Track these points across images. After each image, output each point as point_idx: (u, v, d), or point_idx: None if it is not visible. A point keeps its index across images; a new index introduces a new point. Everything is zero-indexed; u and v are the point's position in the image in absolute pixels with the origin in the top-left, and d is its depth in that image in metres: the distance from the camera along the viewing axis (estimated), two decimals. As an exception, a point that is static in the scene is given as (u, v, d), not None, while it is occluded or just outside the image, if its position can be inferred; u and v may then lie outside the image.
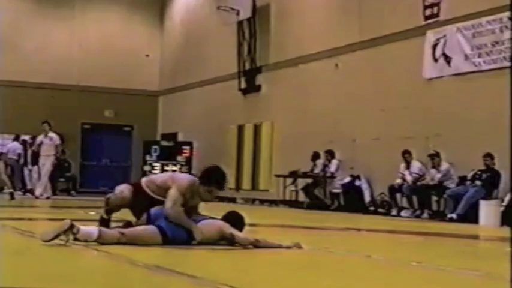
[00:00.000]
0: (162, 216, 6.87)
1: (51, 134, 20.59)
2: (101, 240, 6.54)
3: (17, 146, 25.52)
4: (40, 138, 20.70)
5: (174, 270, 5.24)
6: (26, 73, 27.43)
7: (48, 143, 20.47)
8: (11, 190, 18.38)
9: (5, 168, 18.94)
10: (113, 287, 4.64)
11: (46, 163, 20.53)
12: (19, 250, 6.66)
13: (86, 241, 6.53)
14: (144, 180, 7.50)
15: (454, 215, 15.11)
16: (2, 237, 8.20)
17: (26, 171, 25.30)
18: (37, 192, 20.68)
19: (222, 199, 21.19)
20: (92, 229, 6.64)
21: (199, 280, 4.86)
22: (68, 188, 26.14)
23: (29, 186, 24.91)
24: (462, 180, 15.76)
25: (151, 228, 6.78)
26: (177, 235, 6.79)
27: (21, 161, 25.03)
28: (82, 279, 4.92)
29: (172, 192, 6.96)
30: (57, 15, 28.55)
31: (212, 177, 7.08)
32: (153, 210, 6.97)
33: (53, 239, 6.46)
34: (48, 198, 20.14)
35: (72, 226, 6.47)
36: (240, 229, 7.22)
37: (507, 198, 14.38)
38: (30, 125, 26.43)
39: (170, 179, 7.22)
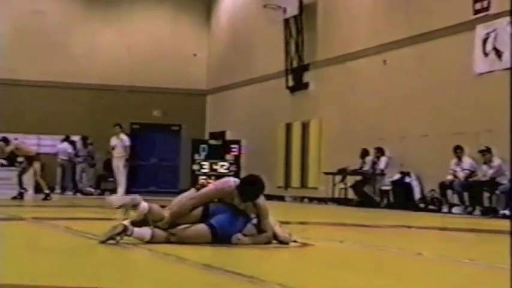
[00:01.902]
0: (219, 212, 6.87)
1: (122, 136, 21.06)
2: (153, 241, 6.62)
3: (67, 147, 25.88)
4: (113, 140, 21.12)
5: (225, 269, 5.23)
6: (75, 74, 27.73)
7: (119, 144, 20.91)
8: (47, 191, 18.56)
9: (41, 170, 19.19)
10: (166, 286, 4.65)
11: (119, 165, 20.96)
12: (72, 250, 6.73)
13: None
14: None
15: (506, 212, 14.89)
16: (55, 237, 8.29)
17: (78, 172, 25.65)
18: (119, 193, 21.08)
19: (271, 198, 21.17)
20: (145, 231, 6.71)
21: (251, 279, 4.84)
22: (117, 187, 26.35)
23: (79, 187, 25.28)
24: (515, 176, 15.51)
25: (201, 227, 6.79)
26: (228, 232, 6.79)
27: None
28: (135, 279, 4.94)
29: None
30: (105, 16, 28.82)
31: (243, 190, 6.93)
32: (212, 205, 6.96)
33: (108, 240, 6.56)
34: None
35: (125, 229, 6.59)
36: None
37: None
38: (80, 126, 26.79)
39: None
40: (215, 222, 6.79)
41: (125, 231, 6.59)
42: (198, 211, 6.90)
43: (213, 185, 7.16)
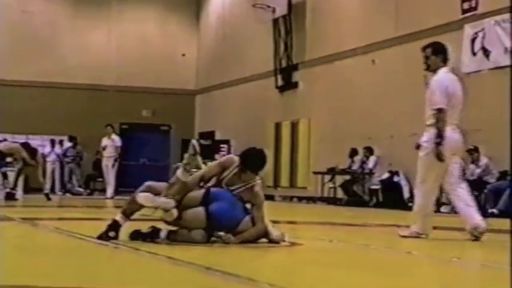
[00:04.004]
0: (220, 198, 6.89)
1: (114, 136, 21.25)
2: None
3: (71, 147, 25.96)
4: (104, 141, 21.22)
5: (215, 269, 5.24)
6: (64, 74, 27.68)
7: (111, 144, 21.07)
8: (47, 191, 18.61)
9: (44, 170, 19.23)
10: (156, 286, 4.66)
11: (109, 164, 21.09)
12: (61, 250, 6.72)
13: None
14: None
15: (495, 210, 14.95)
16: (45, 237, 8.28)
17: (66, 172, 25.61)
18: (108, 193, 21.10)
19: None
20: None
21: (241, 279, 4.86)
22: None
23: (67, 187, 25.24)
24: (503, 175, 15.59)
25: (199, 209, 6.82)
26: (224, 221, 6.81)
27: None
28: (126, 279, 4.95)
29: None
30: (95, 16, 28.77)
31: (248, 160, 7.02)
32: (214, 189, 6.99)
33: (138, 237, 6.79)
34: (112, 198, 20.52)
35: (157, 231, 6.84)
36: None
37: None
38: (68, 126, 26.72)
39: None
40: (213, 207, 6.81)
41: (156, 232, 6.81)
42: (199, 194, 6.92)
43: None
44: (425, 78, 8.86)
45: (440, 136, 8.29)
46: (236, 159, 7.07)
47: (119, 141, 21.26)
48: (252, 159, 7.03)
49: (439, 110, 8.33)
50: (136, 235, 6.84)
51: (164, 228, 6.87)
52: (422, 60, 8.61)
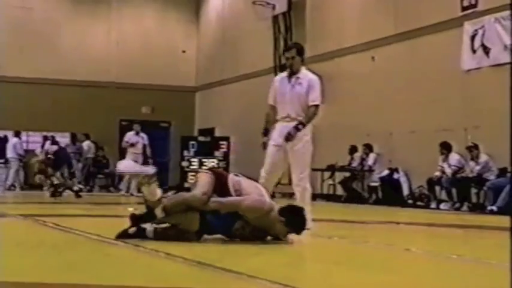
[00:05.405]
0: None
1: (142, 134, 21.56)
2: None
3: (91, 146, 26.07)
4: (131, 136, 21.44)
5: (214, 266, 5.25)
6: (64, 71, 27.65)
7: (140, 141, 21.38)
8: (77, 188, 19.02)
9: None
10: (155, 283, 4.67)
11: (138, 161, 21.23)
12: (60, 246, 6.73)
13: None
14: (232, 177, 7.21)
15: (494, 207, 14.97)
16: (44, 233, 8.29)
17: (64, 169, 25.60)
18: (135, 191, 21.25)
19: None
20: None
21: (240, 275, 4.87)
22: (107, 184, 26.37)
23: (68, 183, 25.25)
24: (502, 172, 15.60)
25: (195, 216, 6.79)
26: (218, 228, 6.81)
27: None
28: (124, 275, 4.96)
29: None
30: (94, 12, 28.76)
31: (295, 221, 6.89)
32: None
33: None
34: (132, 194, 20.75)
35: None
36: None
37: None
38: (68, 123, 26.74)
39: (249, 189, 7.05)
40: (209, 216, 6.79)
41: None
42: None
43: (245, 198, 6.90)
44: (290, 77, 9.00)
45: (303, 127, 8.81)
46: (266, 208, 6.85)
47: (147, 139, 21.79)
48: (297, 222, 6.89)
49: (318, 106, 8.91)
50: (123, 235, 6.80)
51: (150, 226, 6.82)
52: (288, 62, 8.98)
